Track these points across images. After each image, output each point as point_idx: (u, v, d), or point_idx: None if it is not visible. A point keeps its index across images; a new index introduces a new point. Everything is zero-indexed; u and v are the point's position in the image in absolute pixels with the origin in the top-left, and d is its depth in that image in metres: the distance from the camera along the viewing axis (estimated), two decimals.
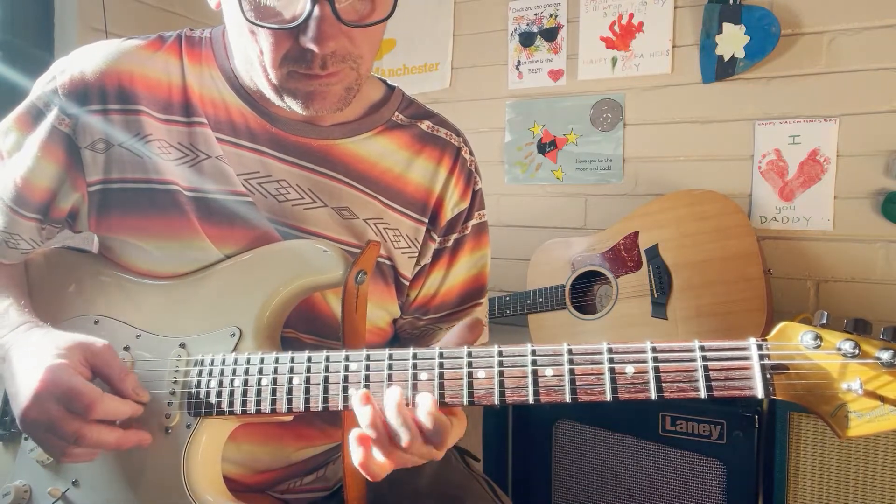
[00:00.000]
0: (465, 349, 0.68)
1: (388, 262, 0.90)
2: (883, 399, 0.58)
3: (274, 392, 0.74)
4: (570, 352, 0.65)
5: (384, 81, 0.97)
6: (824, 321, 0.61)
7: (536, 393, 0.65)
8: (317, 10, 0.71)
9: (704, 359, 0.62)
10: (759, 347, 0.61)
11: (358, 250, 0.84)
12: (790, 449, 1.49)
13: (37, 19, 1.95)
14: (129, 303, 0.85)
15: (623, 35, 2.10)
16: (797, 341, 0.61)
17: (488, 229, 1.01)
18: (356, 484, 0.80)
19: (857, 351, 0.59)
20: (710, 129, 2.00)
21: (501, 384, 0.66)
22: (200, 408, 0.77)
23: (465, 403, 0.67)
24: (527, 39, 2.24)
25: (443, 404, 0.68)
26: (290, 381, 0.74)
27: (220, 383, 0.76)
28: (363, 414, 0.66)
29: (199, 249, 0.83)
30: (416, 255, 0.93)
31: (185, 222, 0.83)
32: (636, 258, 1.80)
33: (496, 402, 0.66)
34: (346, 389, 0.71)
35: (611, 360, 0.64)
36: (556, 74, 2.21)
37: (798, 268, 1.90)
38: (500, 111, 2.29)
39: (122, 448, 0.75)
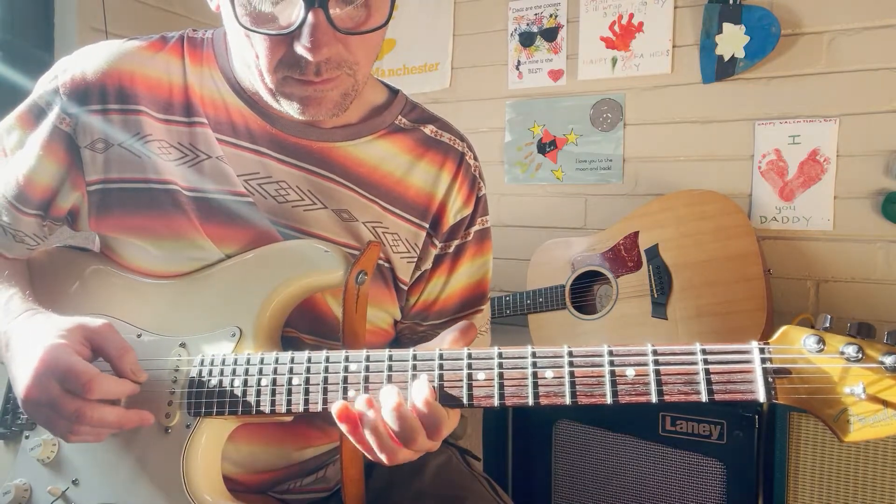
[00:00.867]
0: (466, 350, 0.68)
1: (387, 264, 0.90)
2: (886, 403, 0.57)
3: (273, 392, 0.74)
4: (570, 354, 0.65)
5: (387, 85, 0.97)
6: (827, 325, 0.61)
7: (536, 395, 0.65)
8: (311, 17, 0.70)
9: (706, 362, 0.61)
10: (762, 351, 0.60)
11: (357, 252, 0.84)
12: (790, 449, 1.49)
13: (37, 19, 1.95)
14: (131, 302, 0.85)
15: (623, 35, 2.10)
16: (800, 345, 0.60)
17: (491, 235, 1.00)
18: (354, 484, 0.80)
19: (860, 355, 0.58)
20: (710, 129, 2.00)
21: (501, 386, 0.66)
22: (200, 408, 0.77)
23: (464, 405, 0.67)
24: (527, 39, 2.24)
25: (442, 405, 0.68)
26: (289, 381, 0.73)
27: (220, 383, 0.76)
28: (343, 427, 0.68)
29: (199, 249, 0.84)
30: (416, 260, 0.92)
31: (186, 222, 0.83)
32: (636, 258, 1.80)
33: (496, 404, 0.66)
34: (346, 391, 0.71)
35: (611, 363, 0.63)
36: (556, 74, 2.21)
37: (798, 268, 1.90)
38: (500, 111, 2.29)
39: (124, 427, 0.75)
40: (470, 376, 0.67)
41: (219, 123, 0.85)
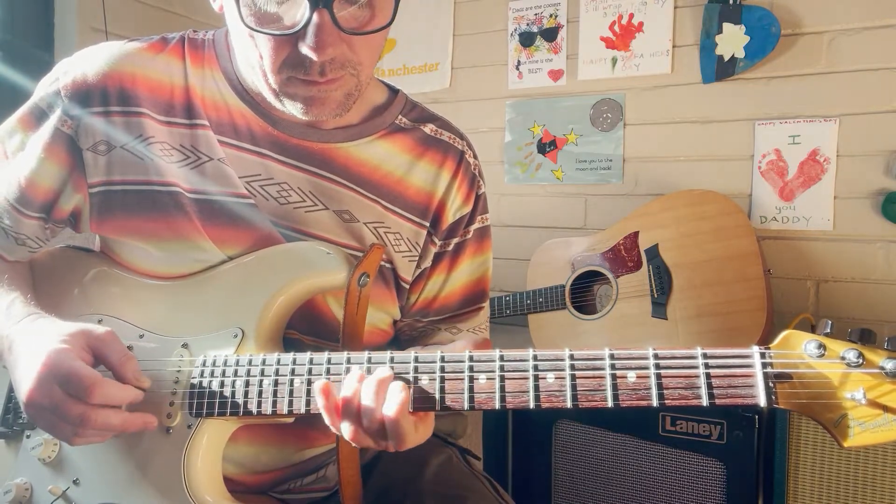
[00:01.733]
0: (467, 353, 0.68)
1: (388, 265, 0.90)
2: (886, 408, 0.57)
3: (275, 394, 0.74)
4: (571, 357, 0.65)
5: (387, 85, 0.97)
6: (828, 330, 0.61)
7: (538, 399, 0.65)
8: (315, 17, 0.70)
9: (707, 366, 0.61)
10: (763, 356, 0.60)
11: (359, 253, 0.84)
12: (790, 449, 1.49)
13: (37, 19, 1.95)
14: (133, 302, 0.85)
15: (623, 35, 2.10)
16: (801, 350, 0.60)
17: (491, 233, 1.00)
18: (351, 485, 0.80)
19: (860, 360, 0.58)
20: (710, 129, 2.00)
21: (503, 389, 0.66)
22: (202, 408, 0.77)
23: (465, 408, 0.67)
24: (527, 39, 2.24)
25: (444, 408, 0.68)
26: (291, 382, 0.74)
27: (222, 384, 0.77)
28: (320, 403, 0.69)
29: (201, 251, 0.84)
30: (417, 258, 0.92)
31: (188, 224, 0.83)
32: (636, 258, 1.80)
33: (497, 407, 0.66)
34: None
35: (612, 367, 0.63)
36: (556, 74, 2.21)
37: (798, 268, 1.90)
38: (500, 111, 2.29)
39: (128, 430, 0.76)
40: (471, 379, 0.67)
41: (220, 125, 0.85)
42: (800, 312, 1.85)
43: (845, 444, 0.59)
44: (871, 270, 1.82)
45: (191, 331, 0.82)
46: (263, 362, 0.76)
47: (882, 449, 1.42)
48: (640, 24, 2.07)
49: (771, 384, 0.60)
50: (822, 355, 0.60)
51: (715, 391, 0.61)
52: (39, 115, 0.85)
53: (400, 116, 0.93)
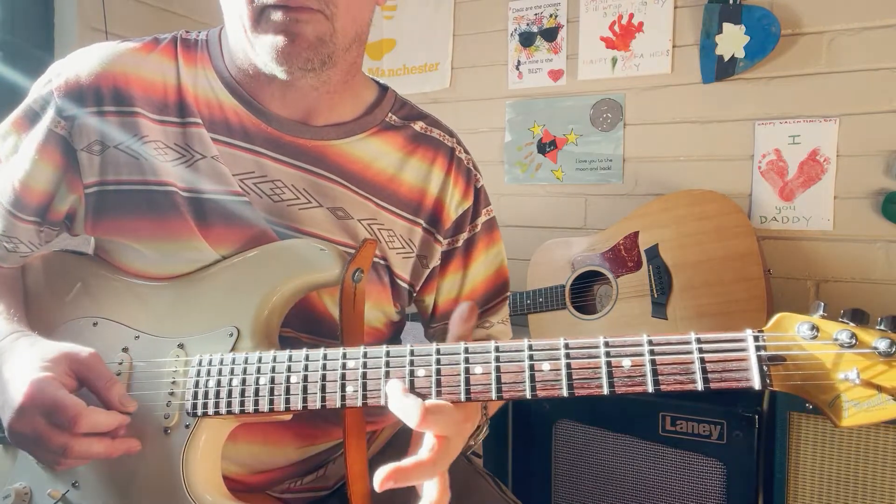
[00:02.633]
0: (462, 345, 0.68)
1: (382, 261, 0.90)
2: (880, 388, 0.57)
3: (272, 391, 0.74)
4: (566, 346, 0.65)
5: (377, 82, 0.98)
6: (821, 312, 0.61)
7: (534, 388, 0.65)
8: None
9: (701, 350, 0.61)
10: (756, 339, 0.60)
11: (353, 250, 0.84)
12: (790, 449, 1.49)
13: (37, 19, 1.95)
14: (128, 304, 0.85)
15: (623, 35, 2.10)
16: (794, 332, 0.60)
17: (497, 224, 1.01)
18: (359, 481, 0.80)
19: (853, 341, 0.58)
20: (710, 129, 2.00)
21: (498, 379, 0.66)
22: (199, 408, 0.77)
23: (462, 399, 0.67)
24: (527, 39, 2.24)
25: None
26: (287, 379, 0.73)
27: (219, 383, 0.76)
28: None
29: (195, 250, 0.83)
30: (413, 256, 0.93)
31: (182, 223, 0.83)
32: (636, 258, 1.80)
33: (493, 397, 0.66)
34: (343, 388, 0.71)
35: (607, 354, 0.64)
36: (556, 74, 2.21)
37: (798, 268, 1.90)
38: (500, 111, 2.29)
39: (111, 457, 0.75)
40: (467, 370, 0.67)
41: (213, 123, 0.85)
42: (799, 312, 1.85)
43: (840, 425, 0.59)
44: (871, 270, 1.82)
45: (186, 331, 0.82)
46: (259, 360, 0.75)
47: (882, 449, 1.42)
48: (640, 24, 2.07)
49: (765, 367, 0.59)
50: (816, 337, 0.59)
51: (709, 375, 0.61)
52: (33, 117, 0.85)
53: (390, 114, 0.94)
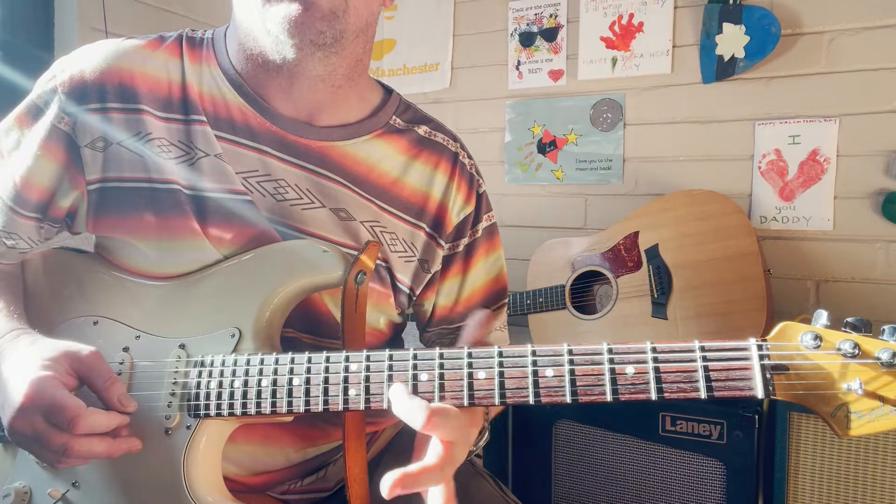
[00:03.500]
0: (466, 350, 0.68)
1: (384, 264, 0.90)
2: (883, 399, 0.57)
3: (274, 393, 0.74)
4: (570, 352, 0.65)
5: (382, 85, 0.98)
6: (824, 321, 0.61)
7: (537, 394, 0.65)
8: None
9: (705, 359, 0.61)
10: (759, 348, 0.60)
11: (355, 252, 0.84)
12: (790, 449, 1.49)
13: (37, 19, 1.95)
14: (129, 303, 0.85)
15: (623, 35, 2.10)
16: (797, 341, 0.60)
17: (498, 230, 1.01)
18: (358, 483, 0.80)
19: (856, 351, 0.58)
20: (710, 129, 2.00)
21: (502, 385, 0.66)
22: (200, 409, 0.77)
23: (465, 404, 0.67)
24: (527, 39, 2.24)
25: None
26: (290, 381, 0.73)
27: (221, 384, 0.76)
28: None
29: (196, 249, 0.83)
30: (415, 259, 0.93)
31: (184, 221, 0.83)
32: (636, 258, 1.80)
33: (497, 403, 0.66)
34: (346, 391, 0.71)
35: (611, 361, 0.63)
36: (556, 74, 2.21)
37: (798, 268, 1.90)
38: (500, 111, 2.29)
39: (112, 456, 0.74)
40: (470, 375, 0.67)
41: (218, 120, 0.85)
42: (800, 312, 1.85)
43: (843, 436, 0.59)
44: (871, 270, 1.82)
45: (187, 331, 0.81)
46: (262, 362, 0.75)
47: (882, 449, 1.42)
48: (640, 24, 2.07)
49: (768, 376, 0.59)
50: (819, 346, 0.59)
51: (713, 384, 0.61)
52: (36, 113, 0.85)
53: (394, 117, 0.94)
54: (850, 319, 0.60)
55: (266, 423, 0.85)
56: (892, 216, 1.77)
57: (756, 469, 1.49)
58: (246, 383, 0.75)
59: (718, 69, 1.94)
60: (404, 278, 0.92)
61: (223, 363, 0.77)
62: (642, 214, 1.84)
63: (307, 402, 0.73)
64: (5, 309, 0.85)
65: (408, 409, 0.65)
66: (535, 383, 0.65)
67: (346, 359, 0.72)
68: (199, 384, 0.77)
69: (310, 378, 0.73)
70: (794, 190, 1.90)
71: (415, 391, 0.68)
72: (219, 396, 0.76)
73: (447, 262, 0.95)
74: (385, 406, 0.69)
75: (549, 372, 0.65)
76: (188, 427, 0.77)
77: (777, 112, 1.91)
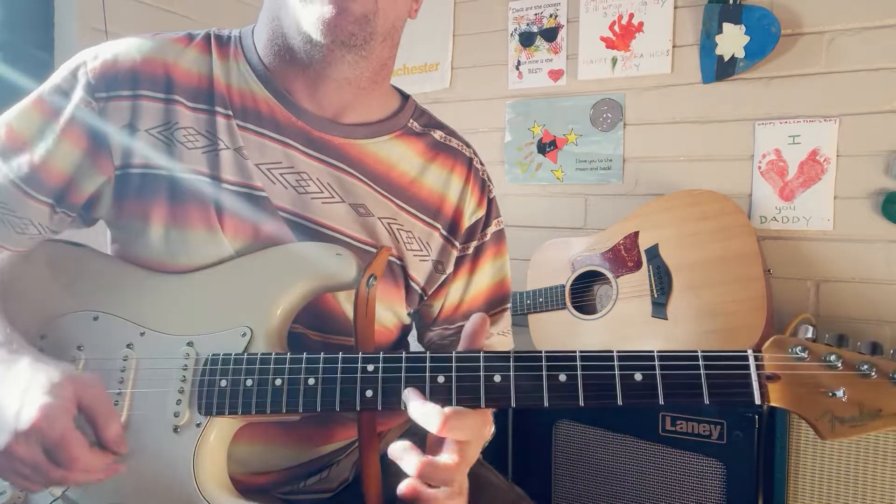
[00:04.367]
0: (481, 353, 0.71)
1: (398, 262, 0.92)
2: (862, 406, 0.65)
3: (290, 393, 0.75)
4: (582, 357, 0.69)
5: (399, 90, 1.00)
6: (810, 335, 0.69)
7: (550, 398, 0.69)
8: None
9: (706, 367, 0.68)
10: (756, 358, 0.67)
11: (371, 248, 0.87)
12: (790, 449, 1.49)
13: (37, 19, 1.95)
14: (132, 298, 0.84)
15: (623, 35, 2.10)
16: (788, 352, 0.68)
17: (505, 236, 1.04)
18: (374, 481, 0.81)
19: (840, 363, 0.66)
20: (710, 129, 2.00)
21: (517, 388, 0.69)
22: (211, 407, 0.77)
23: (482, 406, 0.70)
24: (527, 39, 2.24)
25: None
26: (305, 381, 0.74)
27: (234, 383, 0.76)
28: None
29: (212, 243, 0.83)
30: (429, 259, 0.94)
31: (203, 211, 0.83)
32: (636, 258, 1.80)
33: (512, 406, 0.70)
34: (364, 392, 0.73)
35: (621, 367, 0.68)
36: (556, 74, 2.21)
37: (798, 268, 1.90)
38: (500, 111, 2.29)
39: (102, 480, 0.74)
40: (486, 378, 0.70)
41: (245, 113, 0.87)
42: (800, 312, 1.85)
43: (827, 439, 0.66)
44: (871, 270, 1.82)
45: (196, 329, 0.81)
46: (276, 361, 0.76)
47: (882, 449, 1.42)
48: (640, 24, 2.07)
49: (763, 383, 0.67)
50: (807, 358, 0.67)
51: (714, 391, 0.67)
52: (59, 97, 0.84)
53: (411, 120, 0.97)
54: (832, 335, 0.69)
55: (270, 424, 0.85)
56: (892, 216, 1.77)
57: (756, 469, 1.49)
58: (260, 383, 0.76)
59: (718, 69, 1.94)
60: (417, 277, 0.94)
61: (235, 361, 0.77)
62: (642, 214, 1.84)
63: (323, 403, 0.74)
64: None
65: (423, 413, 0.68)
66: (549, 388, 0.69)
67: (363, 359, 0.73)
68: (212, 382, 0.77)
69: (324, 378, 0.74)
70: (794, 190, 1.90)
71: (431, 393, 0.70)
72: (233, 395, 0.76)
73: (457, 263, 0.97)
74: (402, 408, 0.71)
75: (563, 377, 0.69)
76: (198, 425, 0.77)
77: (777, 112, 1.91)
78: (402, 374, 0.72)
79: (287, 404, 0.75)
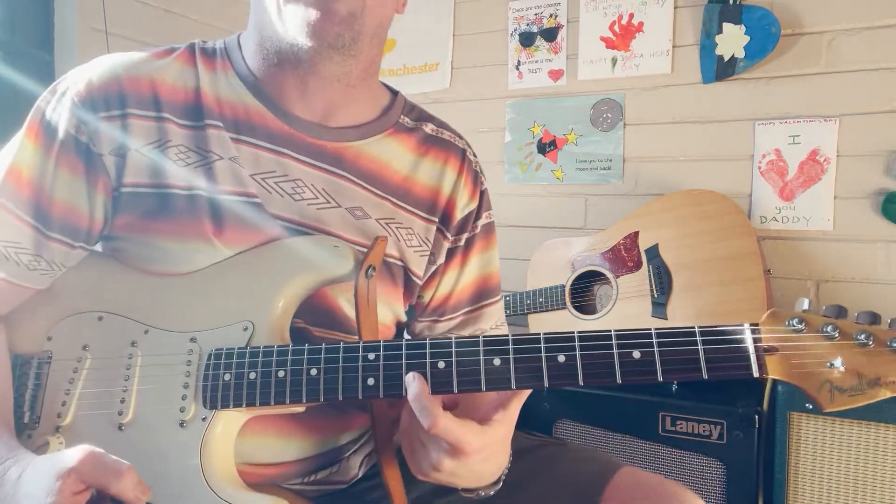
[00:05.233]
0: (480, 338, 0.72)
1: (398, 262, 0.92)
2: (861, 375, 0.65)
3: (293, 384, 0.75)
4: (580, 338, 0.70)
5: (388, 86, 1.00)
6: (806, 307, 0.68)
7: (549, 378, 0.69)
8: None
9: (704, 343, 0.67)
10: (753, 331, 0.66)
11: (366, 250, 0.86)
12: (790, 449, 1.49)
13: (37, 19, 1.95)
14: (136, 298, 0.84)
15: (623, 35, 2.10)
16: (785, 325, 0.67)
17: (496, 231, 1.03)
18: (393, 472, 0.82)
19: (837, 333, 0.65)
20: (710, 129, 2.00)
21: (517, 370, 0.70)
22: (216, 401, 0.77)
23: (483, 390, 0.70)
24: (527, 39, 2.24)
25: (460, 391, 0.71)
26: (308, 372, 0.75)
27: (238, 376, 0.77)
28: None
29: (209, 254, 0.84)
30: (428, 253, 0.95)
31: (199, 226, 0.83)
32: (636, 258, 1.80)
33: (512, 388, 0.70)
34: (365, 380, 0.73)
35: (619, 346, 0.68)
36: (556, 74, 2.21)
37: (798, 268, 1.90)
38: (500, 111, 2.30)
39: None
40: (486, 362, 0.71)
41: (237, 124, 0.86)
42: None
43: (826, 409, 0.66)
44: (871, 270, 1.82)
45: (198, 325, 0.81)
46: (278, 353, 0.76)
47: (882, 449, 1.42)
48: (640, 24, 2.07)
49: (760, 357, 0.66)
50: (804, 330, 0.67)
51: (712, 365, 0.67)
52: (47, 127, 0.83)
53: (402, 116, 0.96)
54: (828, 306, 0.68)
55: (277, 416, 0.85)
56: (892, 216, 1.77)
57: (756, 469, 1.49)
58: (264, 375, 0.76)
59: (718, 69, 1.94)
60: (419, 271, 0.94)
61: (238, 355, 0.78)
62: (642, 214, 1.84)
63: (325, 392, 0.74)
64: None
65: (422, 407, 0.68)
66: (549, 368, 0.69)
67: (364, 348, 0.74)
68: (217, 376, 0.78)
69: (327, 368, 0.74)
70: (794, 190, 1.90)
71: (433, 378, 0.71)
72: (238, 388, 0.77)
73: (449, 254, 0.98)
74: (404, 394, 0.71)
75: (561, 357, 0.69)
76: (204, 419, 0.78)
77: (777, 112, 1.91)
78: (403, 361, 0.72)
79: (290, 395, 0.75)
